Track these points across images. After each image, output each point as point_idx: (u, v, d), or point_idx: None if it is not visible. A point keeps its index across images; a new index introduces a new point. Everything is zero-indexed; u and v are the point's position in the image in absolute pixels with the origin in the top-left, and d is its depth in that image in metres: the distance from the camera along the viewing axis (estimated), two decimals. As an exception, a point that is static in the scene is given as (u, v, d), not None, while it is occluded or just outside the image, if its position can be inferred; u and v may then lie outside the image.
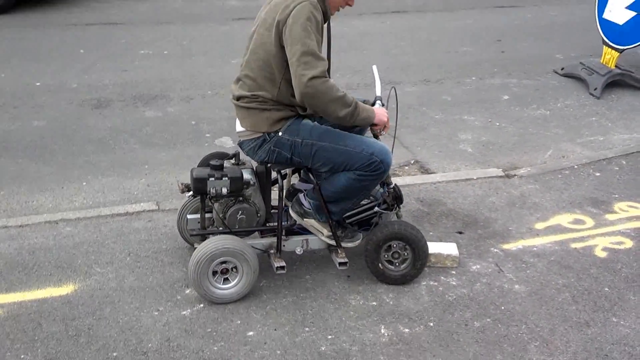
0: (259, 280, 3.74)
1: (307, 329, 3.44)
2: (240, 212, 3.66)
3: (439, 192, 4.87)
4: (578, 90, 6.95)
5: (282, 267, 3.65)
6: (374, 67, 4.08)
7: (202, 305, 3.56)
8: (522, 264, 4.03)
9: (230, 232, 3.64)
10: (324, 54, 3.38)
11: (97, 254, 3.94)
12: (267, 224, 3.76)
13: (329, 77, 3.38)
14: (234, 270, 3.56)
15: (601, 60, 7.16)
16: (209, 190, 3.53)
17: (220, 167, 3.55)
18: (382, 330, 3.45)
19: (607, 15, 7.14)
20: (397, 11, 9.53)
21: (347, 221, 3.82)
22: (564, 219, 4.54)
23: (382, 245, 3.69)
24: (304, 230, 3.77)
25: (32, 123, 5.72)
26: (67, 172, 4.98)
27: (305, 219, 3.71)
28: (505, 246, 4.21)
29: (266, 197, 3.76)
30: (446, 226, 4.41)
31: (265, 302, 3.62)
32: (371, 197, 3.88)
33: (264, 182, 3.74)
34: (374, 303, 3.65)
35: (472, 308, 3.64)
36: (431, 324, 3.51)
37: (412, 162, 5.40)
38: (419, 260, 3.72)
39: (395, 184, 3.80)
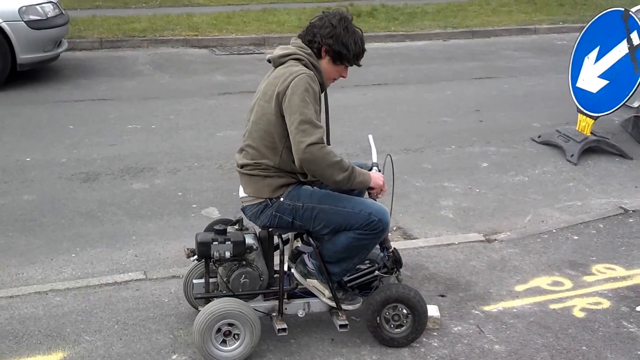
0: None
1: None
2: (243, 275, 3.77)
3: (422, 256, 4.99)
4: (555, 157, 7.15)
5: (284, 329, 3.76)
6: (370, 137, 4.33)
7: (189, 370, 3.63)
8: (502, 325, 4.13)
9: (233, 295, 3.74)
10: (322, 122, 3.61)
11: (85, 323, 4.01)
12: (270, 288, 3.87)
13: (327, 144, 3.64)
14: (237, 333, 3.65)
15: (577, 128, 7.40)
16: (213, 254, 3.65)
17: (224, 232, 3.69)
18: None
19: (580, 84, 7.42)
20: (379, 84, 9.82)
21: (349, 285, 3.94)
22: (543, 281, 4.65)
23: (382, 308, 3.79)
24: (306, 294, 3.89)
25: (22, 197, 5.83)
26: (57, 244, 5.07)
27: (308, 279, 3.83)
28: (486, 308, 4.31)
29: (269, 261, 3.89)
30: (428, 289, 4.51)
31: (254, 368, 3.70)
32: (371, 262, 4.02)
33: (267, 247, 3.86)
34: None
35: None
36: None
37: (394, 228, 5.52)
38: (420, 322, 3.81)
39: (394, 248, 3.93)
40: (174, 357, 3.73)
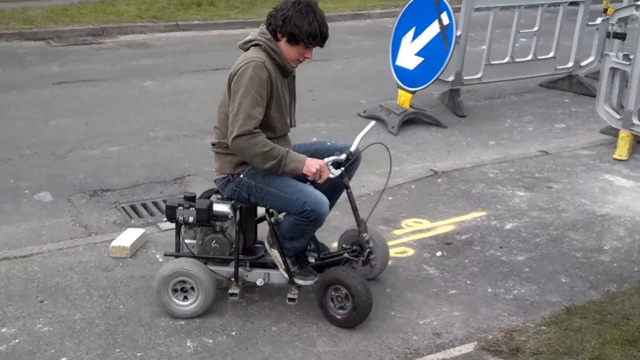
0: (73, 313, 4.02)
1: (117, 350, 3.74)
2: (214, 241, 4.07)
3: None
4: (378, 129, 7.68)
5: (235, 294, 4.08)
6: (370, 124, 4.38)
7: (17, 340, 3.78)
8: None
9: (195, 257, 4.05)
10: (272, 109, 3.87)
11: None
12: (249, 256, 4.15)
13: (291, 125, 4.09)
14: (192, 291, 4.00)
15: (397, 102, 7.98)
16: (178, 218, 3.94)
17: (192, 199, 3.98)
18: (189, 343, 3.81)
19: (399, 62, 8.00)
20: (217, 69, 10.04)
21: (324, 262, 4.18)
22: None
23: (327, 288, 3.98)
24: (273, 265, 4.11)
25: None
26: None
27: (272, 249, 4.06)
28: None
29: (247, 231, 4.14)
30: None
31: (79, 332, 3.89)
32: (352, 243, 4.26)
33: (245, 218, 4.09)
34: (182, 322, 4.00)
35: (271, 316, 4.07)
36: (233, 333, 3.91)
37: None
38: (357, 309, 3.89)
39: (369, 237, 4.11)
40: (4, 330, 3.86)
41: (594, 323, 4.02)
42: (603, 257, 4.86)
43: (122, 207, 5.69)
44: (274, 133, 3.94)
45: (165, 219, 4.16)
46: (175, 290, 4.03)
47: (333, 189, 4.12)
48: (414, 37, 7.87)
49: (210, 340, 3.84)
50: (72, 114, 7.82)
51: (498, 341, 3.88)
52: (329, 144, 4.25)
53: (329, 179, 3.88)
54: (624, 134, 6.77)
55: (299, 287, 4.10)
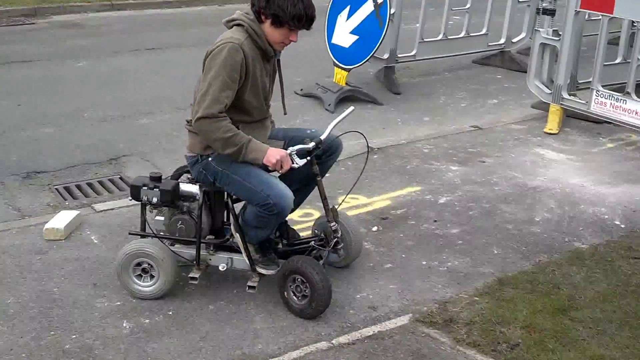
0: (6, 297, 3.96)
1: (52, 332, 3.70)
2: (180, 222, 4.01)
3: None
4: (315, 107, 7.72)
5: (194, 279, 4.01)
6: (349, 109, 4.35)
7: (-53, 326, 3.71)
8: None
9: (156, 237, 4.03)
10: (247, 93, 3.77)
11: None
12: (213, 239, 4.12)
13: (284, 112, 4.13)
14: (153, 271, 3.98)
15: (333, 80, 8.01)
16: (142, 198, 3.90)
17: (158, 179, 3.92)
18: (125, 324, 3.80)
19: (335, 40, 8.03)
20: (153, 48, 9.92)
21: (291, 249, 4.13)
22: (295, 214, 5.08)
23: (286, 278, 3.91)
24: (239, 250, 4.01)
25: None
26: None
27: (237, 233, 3.98)
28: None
29: (215, 214, 4.08)
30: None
31: (13, 316, 3.83)
32: (324, 232, 4.19)
33: (214, 200, 4.05)
34: (119, 303, 3.98)
35: (208, 295, 4.08)
36: (170, 313, 3.91)
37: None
38: (315, 300, 3.84)
39: (337, 227, 4.05)
40: None
41: (525, 292, 4.15)
42: (534, 229, 5.01)
43: (56, 189, 5.61)
44: (251, 117, 3.88)
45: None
46: (136, 270, 3.99)
47: (306, 178, 4.07)
48: (349, 16, 7.90)
49: (147, 321, 3.83)
50: (4, 96, 7.64)
51: (432, 313, 3.97)
52: (308, 131, 4.17)
53: (291, 169, 3.80)
54: (554, 108, 6.95)
55: (260, 275, 4.05)
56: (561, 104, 6.91)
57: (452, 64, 9.50)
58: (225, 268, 4.08)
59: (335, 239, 4.04)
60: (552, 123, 6.96)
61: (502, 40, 9.44)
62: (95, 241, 4.65)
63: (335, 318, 3.93)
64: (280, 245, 4.19)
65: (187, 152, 4.04)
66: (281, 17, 3.70)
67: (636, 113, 6.27)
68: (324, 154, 4.10)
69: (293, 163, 3.79)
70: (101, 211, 5.08)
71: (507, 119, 7.43)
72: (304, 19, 3.74)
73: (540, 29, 7.12)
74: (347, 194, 4.53)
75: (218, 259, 4.09)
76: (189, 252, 4.09)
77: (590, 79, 6.69)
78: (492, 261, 4.57)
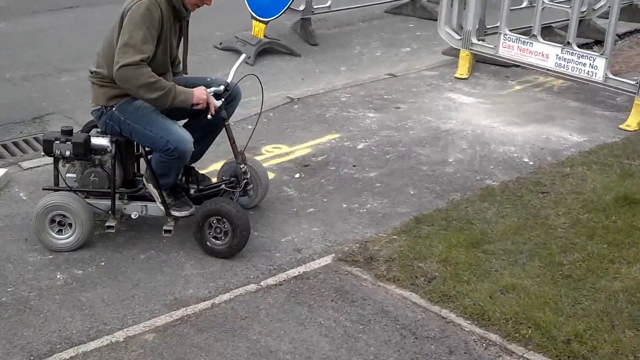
0: None
1: (-14, 288, 3.78)
2: (93, 174, 4.10)
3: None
4: (235, 61, 7.71)
5: (111, 227, 4.11)
6: (242, 57, 4.59)
7: None
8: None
9: (71, 190, 4.09)
10: (159, 49, 3.89)
11: None
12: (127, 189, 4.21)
13: (184, 71, 4.30)
14: (69, 223, 4.06)
15: (252, 33, 8.07)
16: (55, 152, 3.98)
17: (70, 133, 3.98)
18: (58, 276, 3.90)
19: (251, -8, 8.05)
20: (70, 7, 9.69)
21: (202, 194, 4.26)
22: (218, 165, 5.22)
23: (205, 219, 4.05)
24: (152, 198, 4.16)
25: None
26: None
27: (148, 183, 4.10)
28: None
29: (126, 165, 4.18)
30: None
31: (-57, 274, 3.88)
32: (234, 175, 4.33)
33: (125, 152, 4.13)
34: (51, 256, 4.07)
35: (138, 245, 4.21)
36: (102, 263, 4.02)
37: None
38: (237, 228, 3.99)
39: (246, 168, 4.24)
40: None
41: (440, 229, 4.41)
42: (447, 169, 5.28)
43: (-19, 149, 5.55)
44: (154, 71, 3.92)
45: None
46: (53, 225, 4.07)
47: (211, 125, 4.24)
48: (265, -33, 7.92)
49: (80, 272, 3.94)
50: None
51: (354, 252, 4.20)
52: (208, 79, 4.32)
53: (215, 108, 4.01)
54: (464, 53, 7.23)
55: (175, 218, 4.20)
56: (470, 49, 7.18)
57: (365, 15, 9.64)
58: (137, 215, 4.22)
59: (245, 180, 4.25)
60: (463, 68, 7.24)
61: (413, -11, 9.65)
62: (24, 198, 4.69)
63: (262, 261, 4.12)
64: (192, 192, 4.34)
65: (92, 106, 4.12)
66: None
67: (542, 55, 6.60)
68: (225, 100, 4.26)
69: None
70: (28, 169, 5.10)
71: (420, 66, 7.67)
72: None
73: (450, -23, 7.33)
74: (250, 137, 4.67)
75: (132, 208, 4.23)
76: (104, 203, 4.19)
77: (498, 24, 6.96)
78: (409, 201, 4.83)
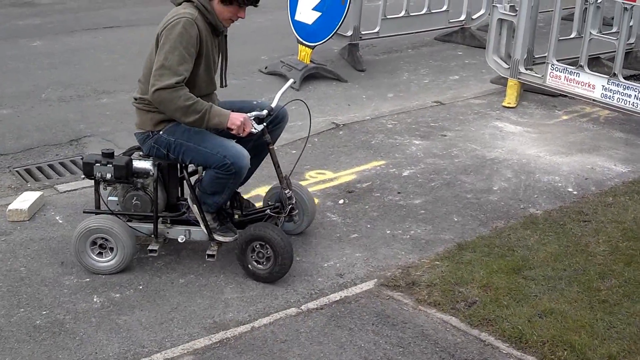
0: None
1: (22, 309, 3.77)
2: (135, 198, 4.07)
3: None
4: (280, 85, 7.73)
5: (153, 251, 4.07)
6: (289, 81, 4.58)
7: None
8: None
9: (112, 214, 4.06)
10: (201, 67, 3.87)
11: None
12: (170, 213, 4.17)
13: (223, 84, 4.22)
14: (111, 247, 4.03)
15: (298, 57, 8.08)
16: (95, 175, 3.95)
17: (110, 155, 3.96)
18: (95, 299, 3.88)
19: (298, 17, 8.07)
20: (110, 27, 9.83)
21: (247, 218, 4.20)
22: (263, 190, 5.18)
23: (249, 244, 4.00)
24: (195, 222, 4.11)
25: None
26: None
27: (193, 205, 4.05)
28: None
29: (170, 188, 4.15)
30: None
31: (-19, 294, 3.88)
32: (278, 200, 4.28)
33: (168, 175, 4.11)
34: (88, 279, 4.05)
35: (178, 269, 4.16)
36: (140, 287, 3.99)
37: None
38: (280, 256, 3.94)
39: (291, 194, 4.19)
40: None
41: (482, 255, 4.31)
42: (492, 197, 5.17)
43: (17, 171, 5.57)
44: (199, 91, 3.92)
45: (84, 176, 4.13)
46: (94, 247, 4.03)
47: (257, 148, 4.19)
48: (311, -8, 7.94)
49: (117, 295, 3.91)
50: None
51: (396, 277, 4.11)
52: (255, 102, 4.28)
53: (252, 133, 3.91)
54: (511, 82, 7.11)
55: (219, 243, 4.14)
56: (518, 78, 7.06)
57: (414, 41, 9.60)
58: (184, 239, 4.15)
59: (290, 205, 4.17)
60: (510, 97, 7.12)
61: (463, 17, 9.57)
62: (60, 221, 4.70)
63: (304, 286, 4.04)
64: (236, 217, 4.28)
65: (137, 129, 4.10)
66: None
67: (589, 85, 6.47)
68: (271, 124, 4.20)
69: (252, 127, 3.91)
70: (64, 192, 5.12)
71: (468, 94, 7.58)
72: None
73: (498, 5, 7.24)
74: (296, 163, 4.67)
75: (176, 232, 4.17)
76: (146, 226, 4.15)
77: (546, 54, 6.85)
78: (452, 228, 4.72)
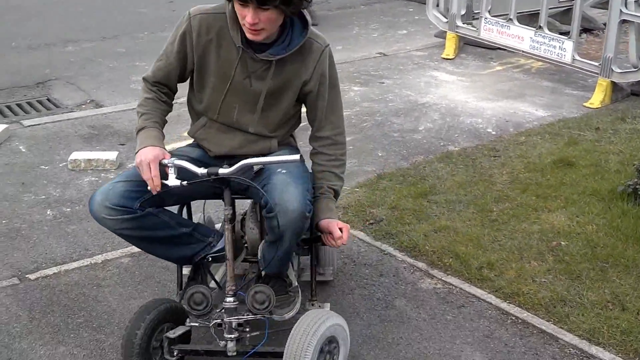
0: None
1: (-16, 219, 4.30)
2: None
3: (108, 119, 5.85)
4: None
5: None
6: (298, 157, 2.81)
7: None
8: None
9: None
10: (207, 85, 2.99)
11: None
12: None
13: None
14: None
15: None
16: None
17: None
18: (49, 212, 4.40)
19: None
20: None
21: None
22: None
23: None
24: None
25: None
26: None
27: None
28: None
29: None
30: (111, 141, 5.40)
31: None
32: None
33: None
34: (43, 197, 4.57)
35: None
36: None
37: (88, 101, 6.31)
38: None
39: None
40: None
41: (396, 184, 4.84)
42: (416, 136, 5.70)
43: (-14, 110, 6.09)
44: (211, 114, 3.04)
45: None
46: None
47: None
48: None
49: (69, 209, 4.44)
50: None
51: (317, 200, 4.64)
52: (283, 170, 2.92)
53: (165, 185, 2.77)
54: (450, 35, 7.63)
55: None
56: (456, 31, 7.58)
57: (367, -2, 10.10)
58: None
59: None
60: (449, 49, 7.65)
61: (415, -24, 10.04)
62: (23, 150, 5.20)
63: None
64: None
65: None
66: None
67: (518, 37, 7.00)
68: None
69: (166, 178, 2.78)
70: (28, 126, 5.62)
71: (412, 47, 8.09)
72: None
73: (439, -37, 7.74)
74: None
75: None
76: None
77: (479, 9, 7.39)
78: (376, 162, 5.25)
